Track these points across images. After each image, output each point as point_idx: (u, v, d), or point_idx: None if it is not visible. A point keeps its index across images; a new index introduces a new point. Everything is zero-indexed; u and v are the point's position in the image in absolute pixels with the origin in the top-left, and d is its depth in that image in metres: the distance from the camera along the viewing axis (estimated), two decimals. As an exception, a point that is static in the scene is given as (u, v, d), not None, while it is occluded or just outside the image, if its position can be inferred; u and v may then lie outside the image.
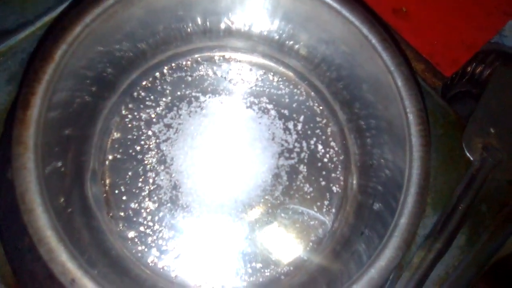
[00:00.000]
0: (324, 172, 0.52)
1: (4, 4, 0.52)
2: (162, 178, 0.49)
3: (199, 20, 0.50)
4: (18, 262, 0.44)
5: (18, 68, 0.50)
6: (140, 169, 0.48)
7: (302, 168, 0.51)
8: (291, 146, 0.52)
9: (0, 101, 0.49)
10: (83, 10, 0.40)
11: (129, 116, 0.50)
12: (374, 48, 0.43)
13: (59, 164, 0.43)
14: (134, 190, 0.48)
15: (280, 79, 0.54)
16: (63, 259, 0.34)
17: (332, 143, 0.53)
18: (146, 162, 0.49)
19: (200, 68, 0.53)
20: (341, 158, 0.52)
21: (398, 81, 0.42)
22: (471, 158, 0.55)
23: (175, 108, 0.52)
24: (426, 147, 0.41)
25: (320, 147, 0.53)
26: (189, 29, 0.51)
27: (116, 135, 0.49)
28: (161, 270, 0.46)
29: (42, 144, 0.38)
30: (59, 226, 0.36)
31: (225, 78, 0.54)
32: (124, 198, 0.47)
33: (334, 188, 0.51)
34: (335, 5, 0.44)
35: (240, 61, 0.54)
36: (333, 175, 0.52)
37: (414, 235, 0.39)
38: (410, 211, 0.39)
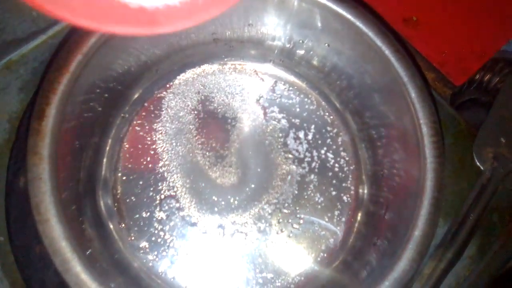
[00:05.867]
0: (334, 182, 0.52)
1: (16, 12, 0.52)
2: (173, 187, 0.49)
3: (210, 30, 0.50)
4: (29, 270, 0.44)
5: (30, 77, 0.50)
6: (151, 179, 0.48)
7: (313, 177, 0.51)
8: (301, 156, 0.52)
9: (12, 109, 0.49)
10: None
11: (141, 125, 0.50)
12: (387, 59, 0.43)
13: (72, 173, 0.43)
14: (145, 200, 0.48)
15: (291, 88, 0.54)
16: (78, 270, 0.35)
17: (343, 153, 0.53)
18: (157, 171, 0.49)
19: (211, 77, 0.53)
20: (352, 167, 0.52)
21: (411, 93, 0.42)
22: (482, 168, 0.55)
23: (185, 118, 0.52)
24: (440, 158, 0.41)
25: (330, 156, 0.52)
26: (200, 39, 0.51)
27: (127, 144, 0.49)
28: (172, 280, 0.46)
29: (55, 154, 0.38)
30: (72, 236, 0.36)
31: (235, 87, 0.54)
32: (135, 207, 0.47)
33: (345, 197, 0.51)
34: (349, 16, 0.43)
35: (251, 70, 0.54)
36: (344, 184, 0.52)
37: (428, 247, 0.39)
38: (424, 223, 0.39)
